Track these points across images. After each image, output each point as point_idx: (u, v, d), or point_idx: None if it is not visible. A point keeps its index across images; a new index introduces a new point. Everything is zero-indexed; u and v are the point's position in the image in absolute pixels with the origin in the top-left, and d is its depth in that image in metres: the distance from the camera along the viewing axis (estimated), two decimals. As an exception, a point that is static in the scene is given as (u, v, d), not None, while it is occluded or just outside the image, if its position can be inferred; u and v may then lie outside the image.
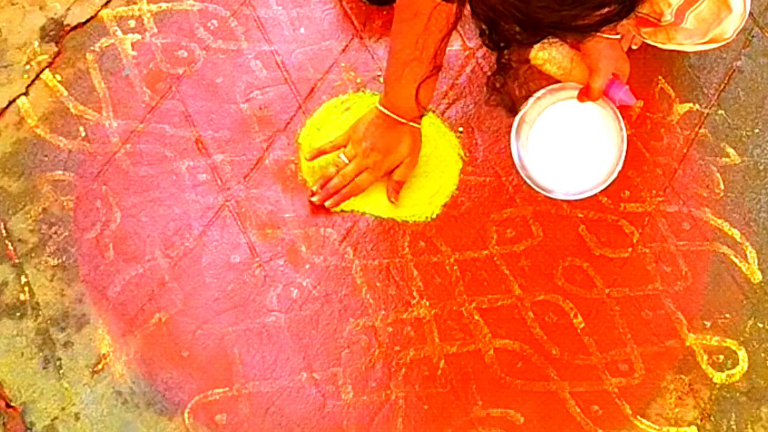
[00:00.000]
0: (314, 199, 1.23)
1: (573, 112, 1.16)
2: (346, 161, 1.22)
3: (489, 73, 1.21)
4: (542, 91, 1.16)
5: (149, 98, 1.31)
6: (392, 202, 1.24)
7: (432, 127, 1.29)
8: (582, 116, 1.16)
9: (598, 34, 1.10)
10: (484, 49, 1.32)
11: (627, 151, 1.14)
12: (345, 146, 1.23)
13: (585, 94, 1.13)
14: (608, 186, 1.15)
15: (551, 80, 1.17)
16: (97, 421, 1.14)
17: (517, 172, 1.18)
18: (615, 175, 1.14)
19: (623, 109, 1.15)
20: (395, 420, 1.14)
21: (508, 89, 1.06)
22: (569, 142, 1.17)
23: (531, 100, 1.16)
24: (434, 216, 1.25)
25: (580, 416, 1.15)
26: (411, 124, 1.20)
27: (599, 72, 1.11)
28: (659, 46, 1.15)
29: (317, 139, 1.29)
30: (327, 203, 1.23)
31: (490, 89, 1.06)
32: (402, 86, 1.14)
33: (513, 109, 1.15)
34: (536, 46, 1.15)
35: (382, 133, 1.20)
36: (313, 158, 1.24)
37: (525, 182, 1.17)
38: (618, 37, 1.12)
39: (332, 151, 1.24)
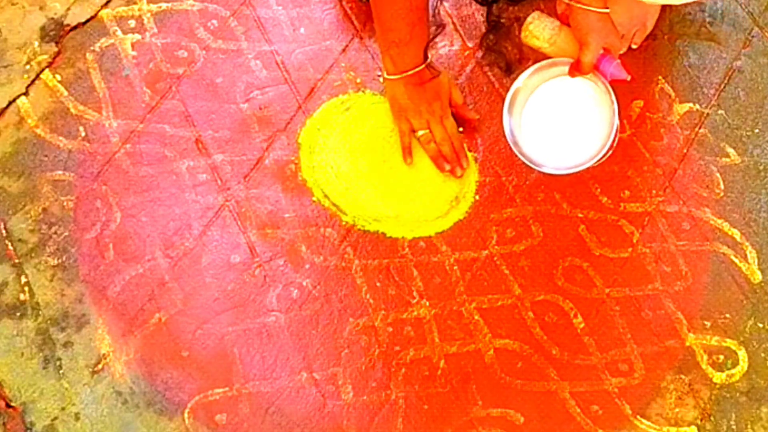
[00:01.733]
0: (459, 173, 1.25)
1: (565, 87, 1.16)
2: (427, 131, 1.25)
3: (484, 31, 1.22)
4: (534, 66, 1.16)
5: (149, 98, 1.31)
6: (474, 118, 1.27)
7: None
8: (574, 91, 1.16)
9: (587, 7, 1.10)
10: (484, 49, 1.32)
11: (627, 151, 1.13)
12: (413, 127, 1.25)
13: (576, 69, 1.13)
14: (600, 160, 1.14)
15: (543, 57, 1.17)
16: (97, 421, 1.14)
17: (510, 149, 1.17)
18: (606, 149, 1.13)
19: (616, 84, 1.15)
20: (395, 420, 1.14)
21: (501, 48, 1.07)
22: (562, 117, 1.17)
23: (523, 75, 1.16)
24: (463, 217, 1.25)
25: (580, 416, 1.15)
26: (424, 66, 1.20)
27: (589, 46, 1.11)
28: (646, 1, 1.14)
29: (317, 139, 1.29)
30: (465, 165, 1.25)
31: (483, 49, 1.06)
32: (399, 54, 1.17)
33: (507, 69, 1.15)
34: (526, 24, 1.15)
35: (418, 90, 1.22)
36: (412, 158, 1.26)
37: (516, 157, 1.17)
38: (608, 11, 1.12)
39: (412, 137, 1.26)
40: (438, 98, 1.24)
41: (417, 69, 1.19)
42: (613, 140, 1.14)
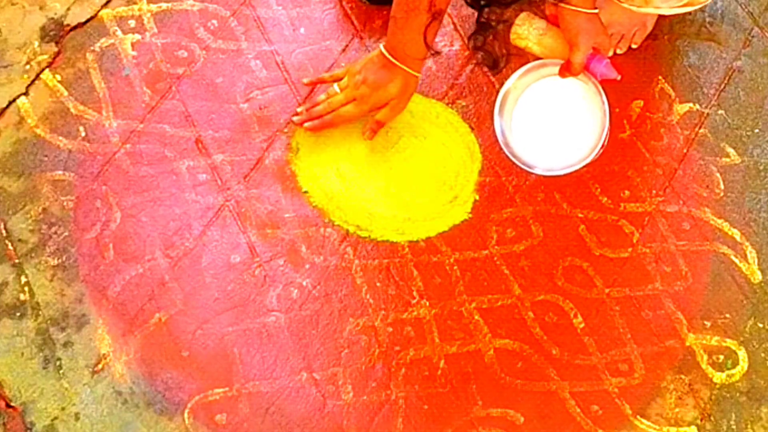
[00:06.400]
0: (295, 119, 1.27)
1: (555, 88, 1.16)
2: (338, 91, 1.25)
3: (471, 32, 1.22)
4: (525, 68, 1.16)
5: (149, 98, 1.31)
6: (366, 138, 1.27)
7: (451, 126, 1.30)
8: (564, 92, 1.16)
9: (576, 8, 1.11)
10: (472, 48, 1.32)
11: (627, 151, 1.13)
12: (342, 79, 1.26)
13: (566, 70, 1.13)
14: (592, 161, 1.13)
15: (533, 58, 1.17)
16: (97, 421, 1.14)
17: (501, 150, 1.17)
18: (598, 150, 1.13)
19: (606, 83, 1.15)
20: (395, 420, 1.14)
21: (488, 48, 1.08)
22: (553, 118, 1.17)
23: (514, 77, 1.16)
24: (463, 217, 1.25)
25: (580, 416, 1.15)
26: (406, 69, 1.20)
27: (579, 47, 1.11)
28: (635, 9, 1.14)
29: (316, 139, 1.29)
30: (306, 125, 1.26)
31: (471, 48, 1.07)
32: (402, 32, 1.16)
33: (495, 67, 1.16)
34: (515, 26, 1.15)
35: (377, 70, 1.22)
36: (310, 84, 1.29)
37: (508, 158, 1.17)
38: (596, 11, 1.12)
39: (330, 81, 1.27)
40: (370, 90, 1.22)
41: (387, 55, 1.19)
42: (605, 140, 1.13)
